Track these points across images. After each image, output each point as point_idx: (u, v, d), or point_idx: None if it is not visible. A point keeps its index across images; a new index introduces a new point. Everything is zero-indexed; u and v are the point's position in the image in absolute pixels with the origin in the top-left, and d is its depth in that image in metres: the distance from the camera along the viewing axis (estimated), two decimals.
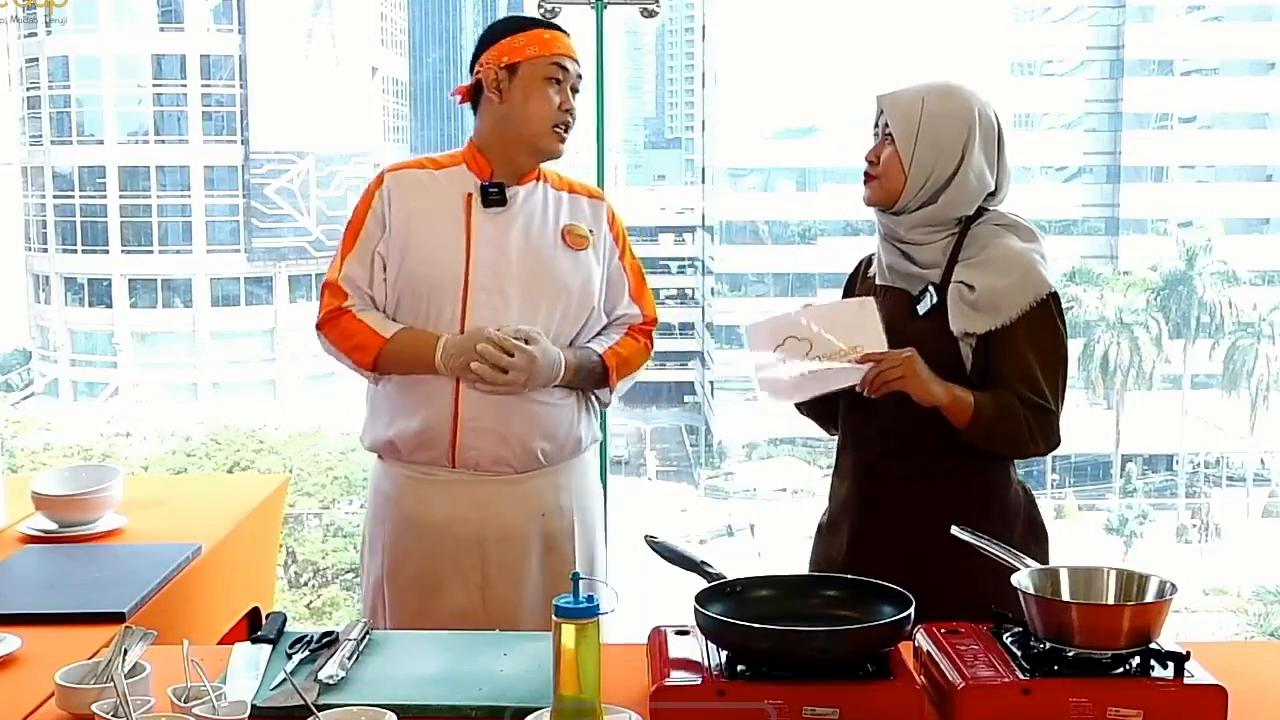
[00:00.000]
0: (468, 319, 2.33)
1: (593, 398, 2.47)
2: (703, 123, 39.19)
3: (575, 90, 2.40)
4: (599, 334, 2.47)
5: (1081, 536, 26.49)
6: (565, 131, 2.39)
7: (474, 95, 2.42)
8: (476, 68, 2.41)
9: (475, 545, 2.37)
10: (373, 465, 2.50)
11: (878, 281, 2.31)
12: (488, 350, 2.25)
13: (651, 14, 4.09)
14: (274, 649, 1.90)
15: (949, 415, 2.14)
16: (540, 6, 4.01)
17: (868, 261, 2.40)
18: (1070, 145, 34.96)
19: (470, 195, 2.38)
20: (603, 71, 4.20)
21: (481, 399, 2.32)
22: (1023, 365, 2.14)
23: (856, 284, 2.40)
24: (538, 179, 2.44)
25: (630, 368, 2.47)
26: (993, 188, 2.24)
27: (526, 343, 2.28)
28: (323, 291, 2.42)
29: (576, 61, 2.39)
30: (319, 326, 2.40)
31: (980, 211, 2.24)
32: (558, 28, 2.42)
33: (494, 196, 2.37)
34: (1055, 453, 2.27)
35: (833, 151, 31.48)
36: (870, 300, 2.21)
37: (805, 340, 2.17)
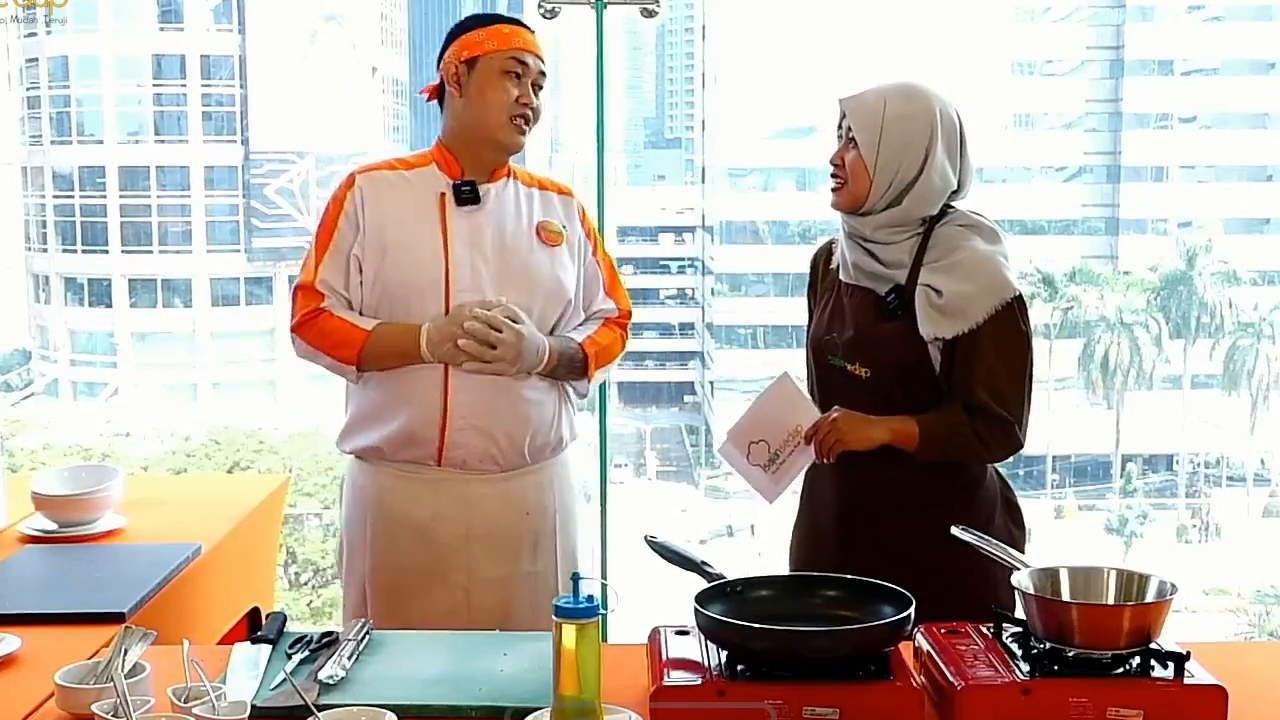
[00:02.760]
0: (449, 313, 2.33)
1: (570, 393, 2.47)
2: (703, 123, 39.18)
3: (538, 87, 2.38)
4: (576, 328, 2.48)
5: (1081, 536, 26.49)
6: (526, 124, 2.37)
7: (440, 93, 2.42)
8: (440, 65, 2.41)
9: (461, 544, 2.37)
10: (350, 466, 2.47)
11: (841, 278, 2.32)
12: (475, 328, 2.25)
13: (651, 14, 4.09)
14: (274, 649, 1.90)
15: (898, 446, 2.18)
16: (540, 6, 4.01)
17: (826, 254, 2.40)
18: (1070, 145, 34.94)
19: (443, 195, 2.37)
20: (603, 71, 4.20)
21: (471, 397, 2.32)
22: (987, 370, 2.17)
23: (819, 279, 2.41)
24: (508, 176, 2.44)
25: (608, 357, 2.47)
26: (955, 186, 2.25)
27: (513, 321, 2.28)
28: (295, 294, 2.40)
29: (539, 58, 2.38)
30: (295, 329, 2.38)
31: (944, 211, 2.25)
32: (521, 24, 2.40)
33: (467, 195, 2.37)
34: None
35: (833, 151, 31.45)
36: (785, 375, 2.27)
37: (763, 441, 2.27)
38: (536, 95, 2.38)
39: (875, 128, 2.20)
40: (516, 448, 2.37)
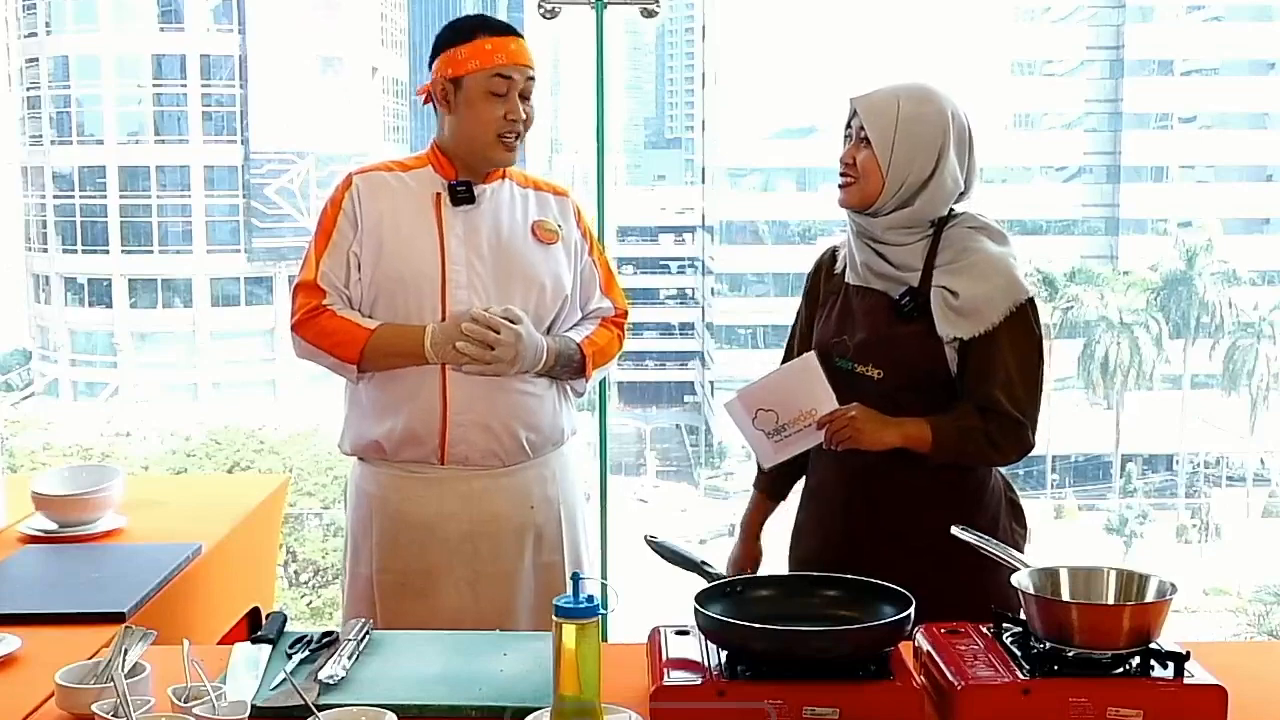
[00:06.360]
0: (447, 315, 2.35)
1: (568, 388, 2.49)
2: (703, 123, 39.18)
3: (526, 95, 2.38)
4: (574, 327, 2.50)
5: (1081, 536, 26.49)
6: (515, 139, 2.38)
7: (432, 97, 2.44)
8: (430, 74, 2.42)
9: (467, 541, 2.38)
10: (353, 468, 2.48)
11: (849, 279, 2.31)
12: (473, 329, 2.28)
13: (651, 14, 4.08)
14: (274, 649, 1.90)
15: (910, 449, 2.18)
16: (540, 6, 4.01)
17: (830, 258, 2.40)
18: (1070, 145, 34.95)
19: (439, 194, 2.40)
20: (603, 71, 4.19)
21: (468, 393, 2.33)
22: (1003, 371, 2.17)
23: (821, 283, 2.40)
24: (503, 177, 2.46)
25: (605, 357, 2.50)
26: (964, 188, 2.25)
27: (512, 322, 2.31)
28: (296, 293, 2.42)
29: (525, 66, 2.36)
30: (295, 328, 2.40)
31: (950, 213, 2.25)
32: (505, 31, 2.39)
33: (462, 195, 2.39)
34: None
35: (833, 151, 31.32)
36: (811, 357, 2.26)
37: (771, 411, 2.29)
38: (526, 102, 2.38)
39: (889, 127, 2.20)
40: (518, 442, 2.39)
